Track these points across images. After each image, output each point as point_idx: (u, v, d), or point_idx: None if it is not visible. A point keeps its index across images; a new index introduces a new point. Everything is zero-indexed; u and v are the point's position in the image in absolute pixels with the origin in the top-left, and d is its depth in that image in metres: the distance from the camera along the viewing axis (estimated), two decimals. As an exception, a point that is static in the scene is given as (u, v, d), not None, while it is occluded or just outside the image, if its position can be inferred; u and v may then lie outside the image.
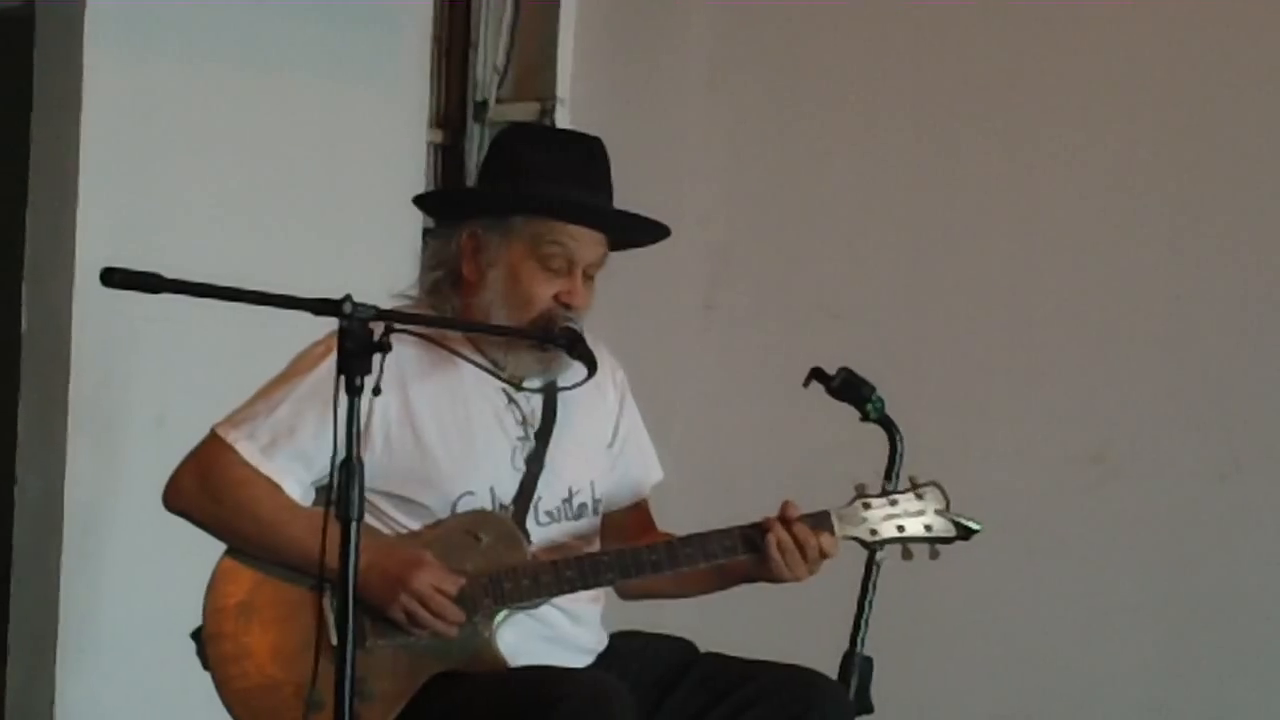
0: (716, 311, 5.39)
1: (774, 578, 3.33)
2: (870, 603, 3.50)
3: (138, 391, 4.89)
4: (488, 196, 3.47)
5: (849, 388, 3.50)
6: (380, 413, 3.27)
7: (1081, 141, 4.86)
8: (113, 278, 2.85)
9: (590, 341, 3.33)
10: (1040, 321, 4.90)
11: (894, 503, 3.38)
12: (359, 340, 2.89)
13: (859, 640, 3.50)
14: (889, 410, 3.51)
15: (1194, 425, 4.68)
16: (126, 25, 4.85)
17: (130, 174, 4.89)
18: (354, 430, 2.87)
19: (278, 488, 3.27)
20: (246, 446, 3.28)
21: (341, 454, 2.87)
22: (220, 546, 3.31)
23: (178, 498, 3.33)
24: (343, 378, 2.88)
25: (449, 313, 3.39)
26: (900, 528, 3.37)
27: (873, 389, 3.49)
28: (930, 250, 5.07)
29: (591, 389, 3.40)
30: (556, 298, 3.33)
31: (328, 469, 3.21)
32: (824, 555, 3.32)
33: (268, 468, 3.27)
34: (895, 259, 5.12)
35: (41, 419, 4.89)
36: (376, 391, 2.92)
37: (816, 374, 3.52)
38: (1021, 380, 4.91)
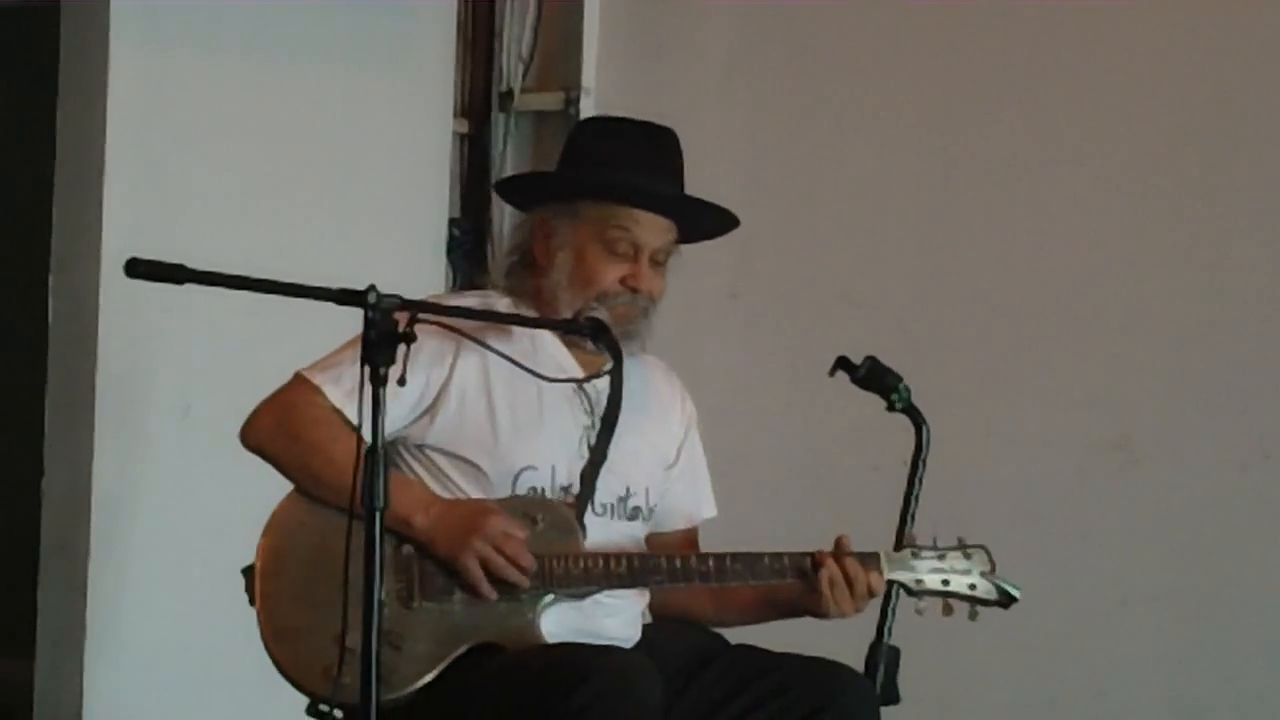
0: (740, 301, 5.39)
1: (820, 611, 3.36)
2: (897, 594, 3.50)
3: (164, 382, 4.90)
4: (558, 182, 3.54)
5: (874, 377, 3.51)
6: (460, 372, 3.32)
7: (1104, 127, 4.85)
8: (137, 269, 2.87)
9: (664, 370, 3.52)
10: (1063, 309, 4.89)
11: (942, 557, 3.42)
12: (383, 331, 2.90)
13: (885, 630, 3.50)
14: (913, 399, 3.52)
15: (1219, 413, 4.67)
16: (151, 18, 4.86)
17: (155, 166, 4.90)
18: (379, 420, 2.88)
19: (356, 432, 3.28)
20: (332, 390, 3.30)
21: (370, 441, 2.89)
22: (251, 539, 3.32)
23: (256, 433, 3.34)
24: (367, 369, 2.89)
25: (523, 294, 3.46)
26: (945, 582, 3.41)
27: (899, 378, 3.50)
28: (952, 238, 5.07)
29: (661, 407, 3.51)
30: (623, 281, 3.40)
31: (403, 423, 3.31)
32: (872, 594, 3.37)
33: (350, 411, 3.25)
34: (918, 247, 5.12)
35: (68, 410, 4.90)
36: (401, 382, 2.97)
37: (842, 363, 3.53)
38: (1045, 368, 4.91)
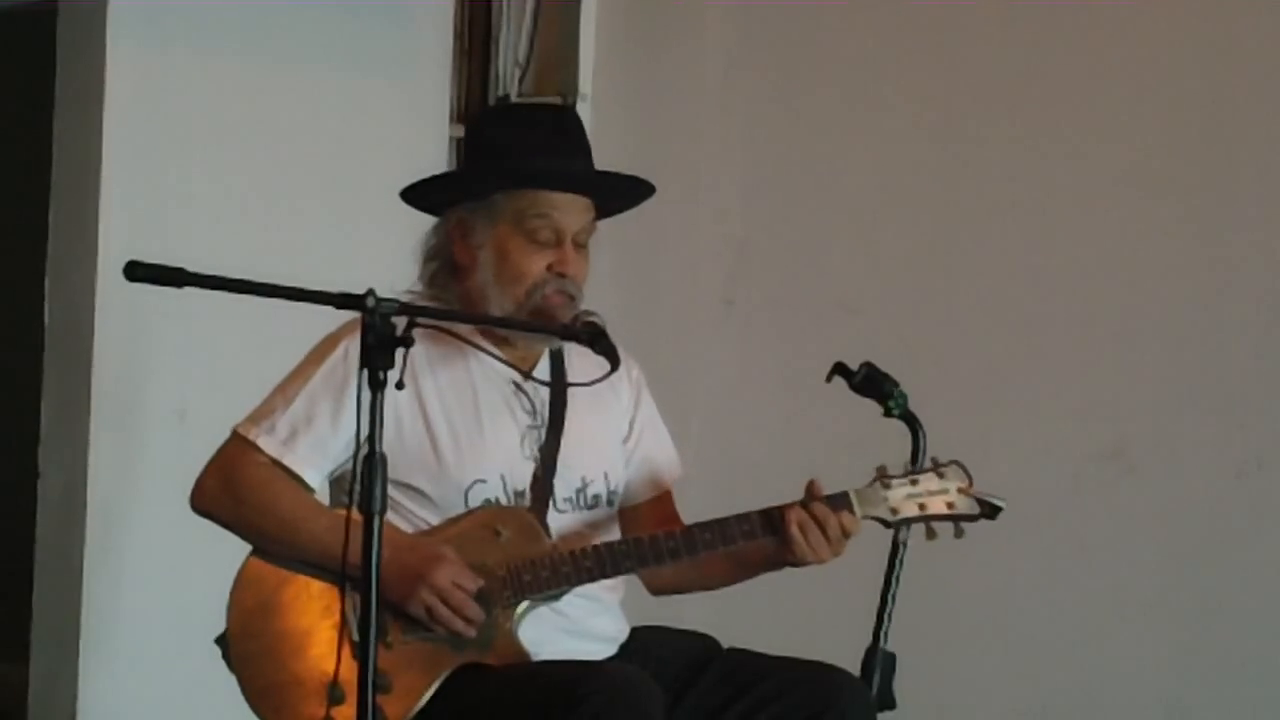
0: (735, 307, 5.39)
1: (797, 559, 3.31)
2: (894, 597, 3.49)
3: (160, 385, 4.90)
4: (466, 179, 3.50)
5: (871, 383, 3.50)
6: (392, 405, 3.26)
7: (1101, 135, 4.85)
8: (137, 272, 2.87)
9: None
10: (1059, 316, 4.89)
11: (915, 482, 3.36)
12: (382, 335, 2.90)
13: (882, 635, 3.49)
14: (909, 405, 3.51)
15: (1213, 421, 4.67)
16: (148, 21, 4.86)
17: (152, 169, 4.90)
18: (377, 425, 2.88)
19: (300, 483, 3.30)
20: (267, 441, 3.30)
21: (365, 449, 2.88)
22: (243, 543, 3.32)
23: (203, 499, 3.35)
24: (365, 373, 2.89)
25: (451, 300, 3.42)
26: (922, 506, 3.35)
27: (895, 384, 3.49)
28: (949, 245, 5.07)
29: (608, 384, 3.40)
30: (550, 269, 3.35)
31: (343, 458, 3.28)
32: (846, 534, 3.31)
33: (289, 459, 3.29)
34: (914, 254, 5.12)
35: (64, 413, 4.90)
36: (400, 386, 2.95)
37: (839, 369, 3.52)
38: (1041, 375, 4.91)
